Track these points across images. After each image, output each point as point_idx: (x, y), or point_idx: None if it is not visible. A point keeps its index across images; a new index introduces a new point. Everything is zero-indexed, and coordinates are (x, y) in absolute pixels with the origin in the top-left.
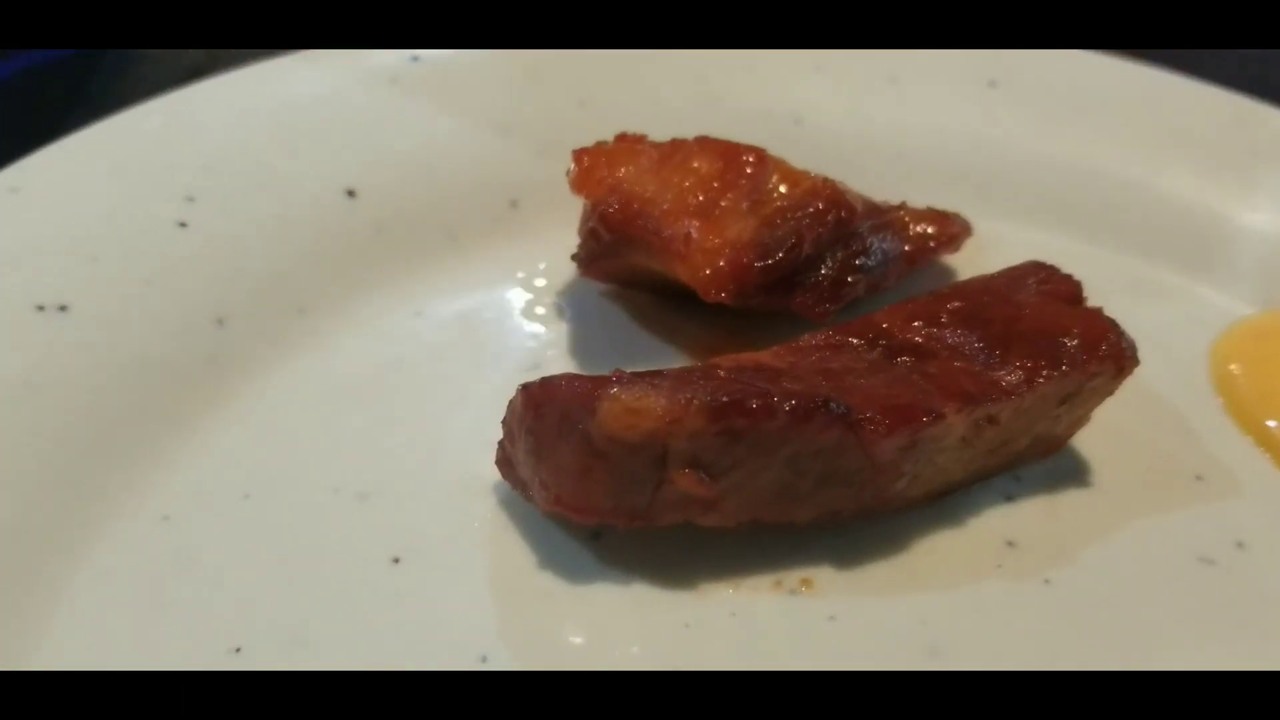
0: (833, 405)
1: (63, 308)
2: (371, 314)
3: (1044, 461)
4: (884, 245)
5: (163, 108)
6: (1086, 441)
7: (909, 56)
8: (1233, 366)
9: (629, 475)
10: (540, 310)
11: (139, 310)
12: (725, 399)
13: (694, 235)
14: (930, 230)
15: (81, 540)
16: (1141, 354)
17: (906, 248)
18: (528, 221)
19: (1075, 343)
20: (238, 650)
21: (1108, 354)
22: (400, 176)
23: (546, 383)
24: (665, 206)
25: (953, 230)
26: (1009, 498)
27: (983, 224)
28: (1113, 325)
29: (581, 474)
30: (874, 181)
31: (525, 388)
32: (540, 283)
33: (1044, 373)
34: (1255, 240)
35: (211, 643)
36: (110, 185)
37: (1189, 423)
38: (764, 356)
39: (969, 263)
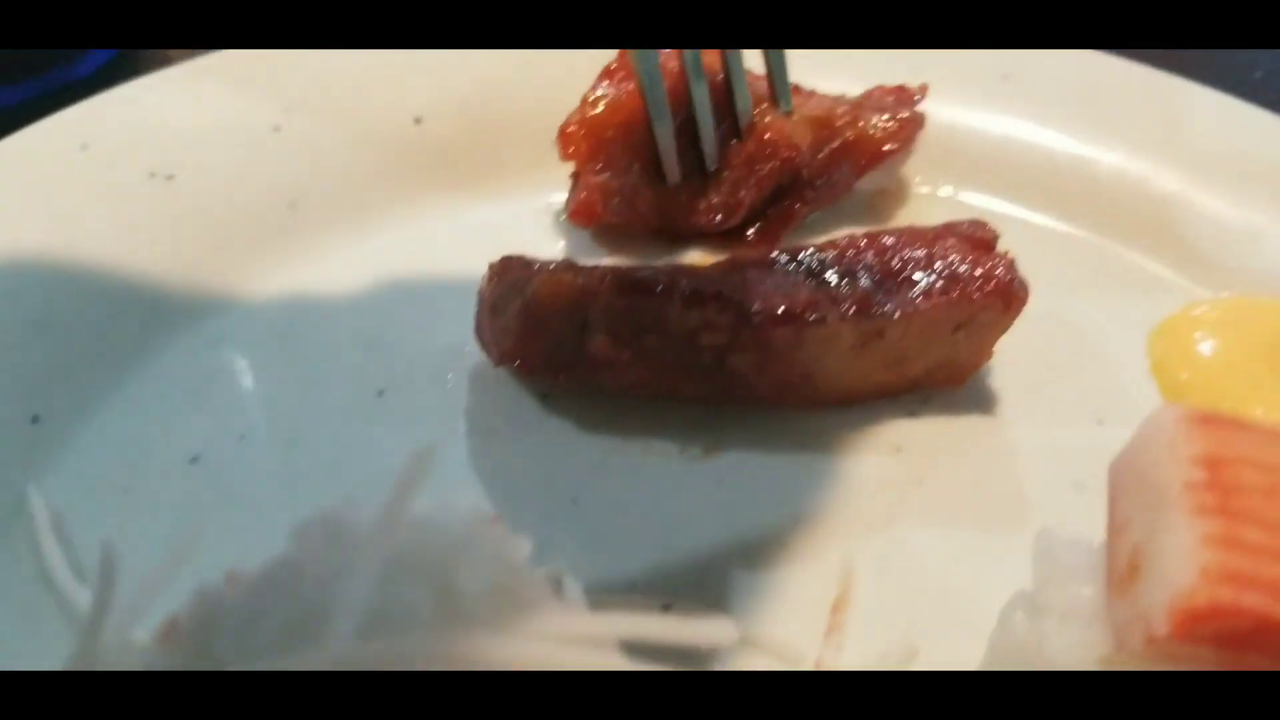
0: (727, 294)
1: (170, 177)
2: (416, 219)
3: (954, 391)
4: (830, 170)
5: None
6: (1000, 376)
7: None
8: (1167, 345)
9: (557, 336)
10: (555, 231)
11: (232, 185)
12: (633, 279)
13: None
14: (885, 123)
15: (148, 351)
16: (1086, 322)
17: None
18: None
19: (967, 275)
20: (242, 437)
21: (995, 288)
22: (460, 109)
23: (506, 259)
24: None
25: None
26: (911, 414)
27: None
28: (1007, 264)
29: (522, 333)
30: None
31: (491, 264)
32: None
33: (933, 299)
34: (1216, 229)
35: (225, 431)
36: (218, 89)
37: (1113, 375)
38: (698, 268)
39: None
